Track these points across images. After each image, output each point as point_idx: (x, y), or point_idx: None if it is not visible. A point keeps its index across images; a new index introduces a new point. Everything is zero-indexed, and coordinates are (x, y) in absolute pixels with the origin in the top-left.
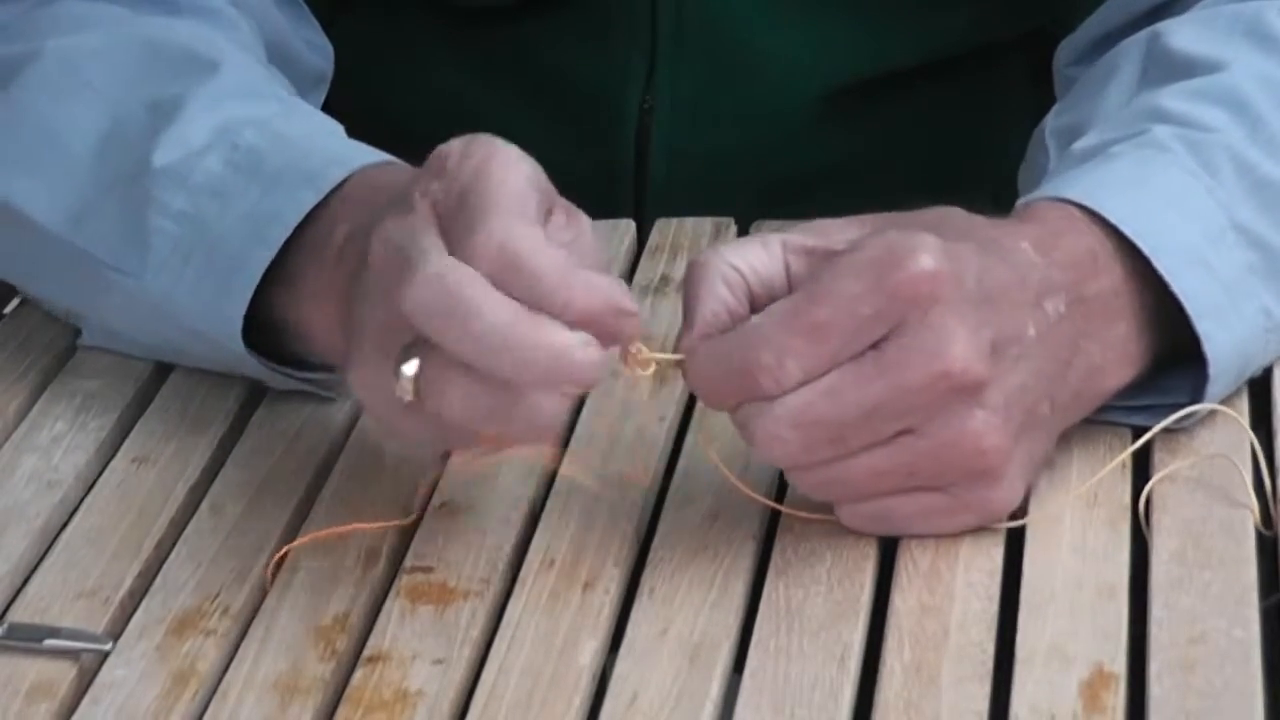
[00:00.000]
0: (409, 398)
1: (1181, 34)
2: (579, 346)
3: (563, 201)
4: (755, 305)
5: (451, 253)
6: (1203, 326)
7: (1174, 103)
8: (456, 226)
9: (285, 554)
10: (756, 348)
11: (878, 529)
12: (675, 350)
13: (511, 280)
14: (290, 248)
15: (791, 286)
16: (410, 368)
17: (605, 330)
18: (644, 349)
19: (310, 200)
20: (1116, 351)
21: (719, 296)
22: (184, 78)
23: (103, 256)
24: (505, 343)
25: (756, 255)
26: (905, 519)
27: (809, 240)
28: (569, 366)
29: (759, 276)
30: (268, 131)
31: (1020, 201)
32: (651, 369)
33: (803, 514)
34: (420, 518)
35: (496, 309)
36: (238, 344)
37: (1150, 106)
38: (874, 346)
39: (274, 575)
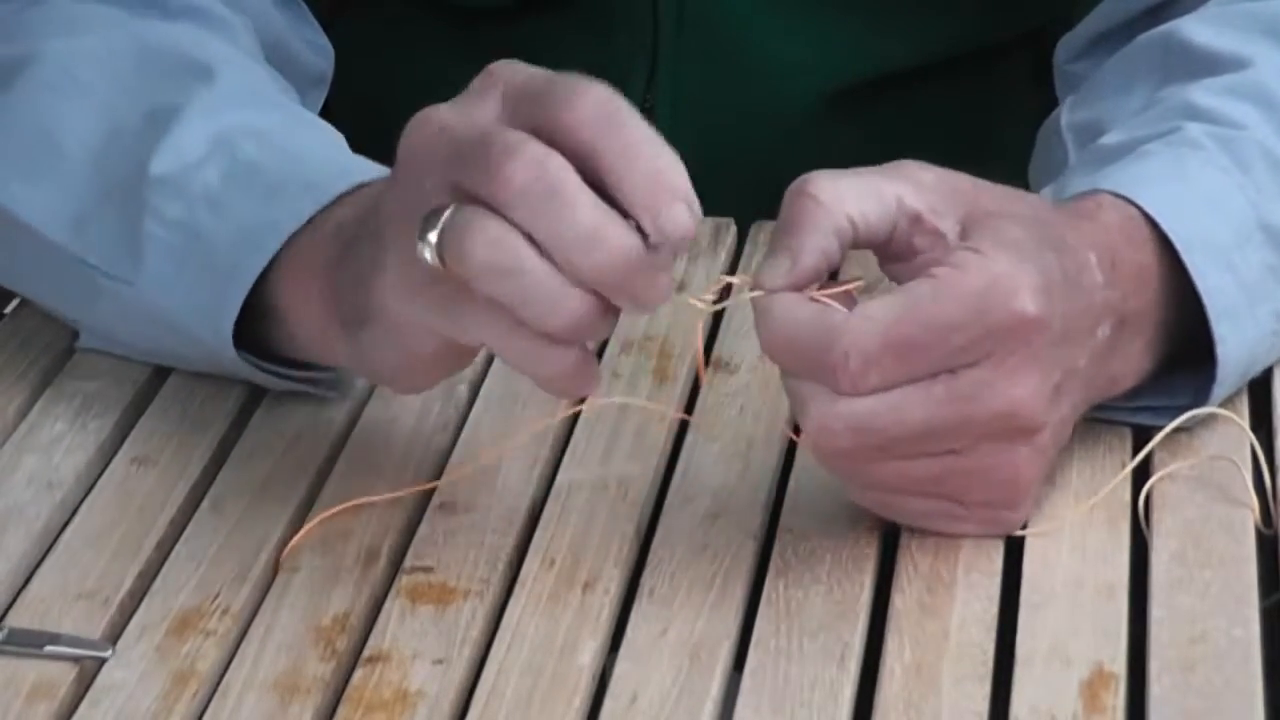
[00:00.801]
0: (431, 261)
1: (1201, 31)
2: (656, 269)
3: None
4: (852, 247)
5: (541, 128)
6: (1219, 329)
7: (1204, 99)
8: (546, 103)
9: (293, 545)
10: (845, 350)
11: (882, 514)
12: (754, 279)
13: (610, 135)
14: (284, 259)
15: (889, 243)
16: (433, 236)
17: (672, 218)
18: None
19: (309, 210)
20: (1132, 365)
21: (826, 251)
22: (182, 85)
23: (96, 263)
24: (593, 240)
25: (873, 208)
26: (913, 515)
27: (921, 208)
28: (641, 278)
29: (869, 228)
30: (268, 145)
31: (1060, 197)
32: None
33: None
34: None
35: (590, 207)
36: (228, 349)
37: (1180, 103)
38: (949, 369)
39: (285, 557)
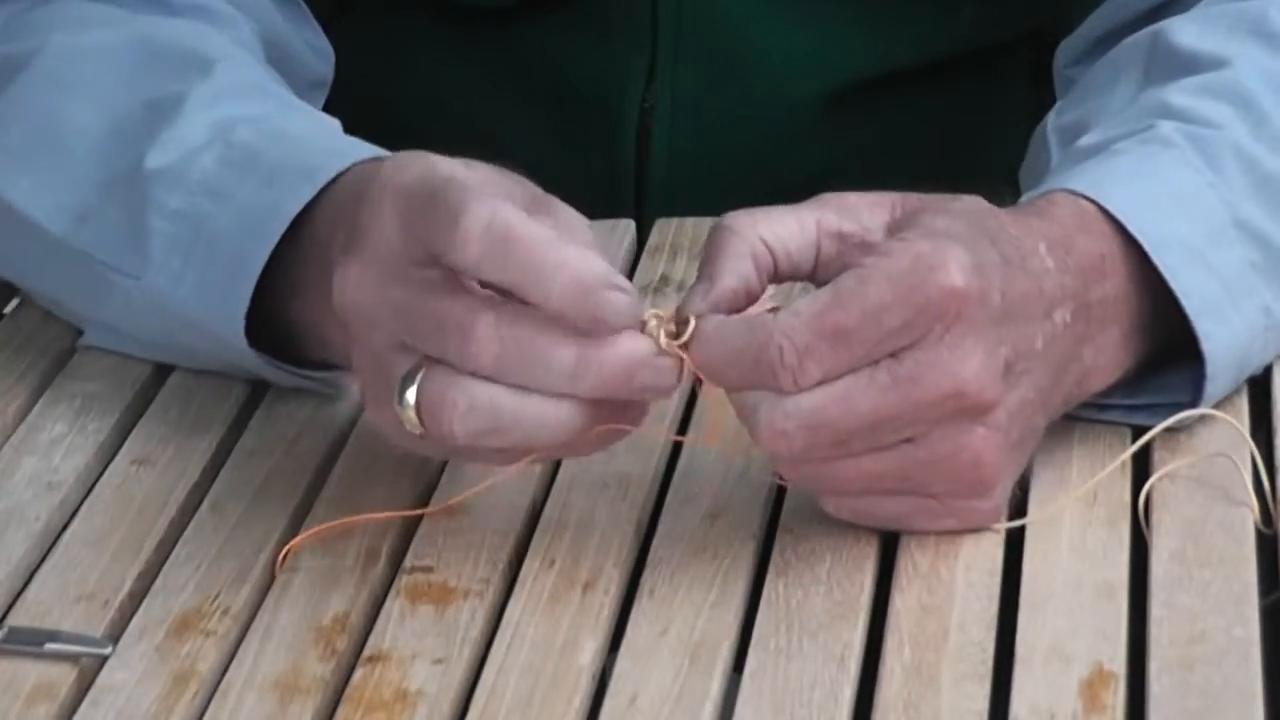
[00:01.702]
0: (417, 431)
1: (1185, 31)
2: (650, 357)
3: (538, 193)
4: (778, 278)
5: (439, 253)
6: (1201, 325)
7: (1179, 98)
8: (435, 220)
9: (289, 549)
10: (779, 344)
11: (860, 521)
12: (679, 311)
13: (504, 256)
14: (290, 249)
15: (818, 269)
16: (411, 395)
17: (600, 304)
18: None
19: (308, 193)
20: (1106, 356)
21: (741, 273)
22: (183, 77)
23: (102, 258)
24: (576, 376)
25: (790, 232)
26: (889, 517)
27: (844, 224)
28: (641, 375)
29: (789, 254)
30: (264, 128)
31: (1032, 194)
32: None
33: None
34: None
35: (562, 347)
36: (240, 341)
37: (1155, 102)
38: (891, 354)
39: (283, 562)
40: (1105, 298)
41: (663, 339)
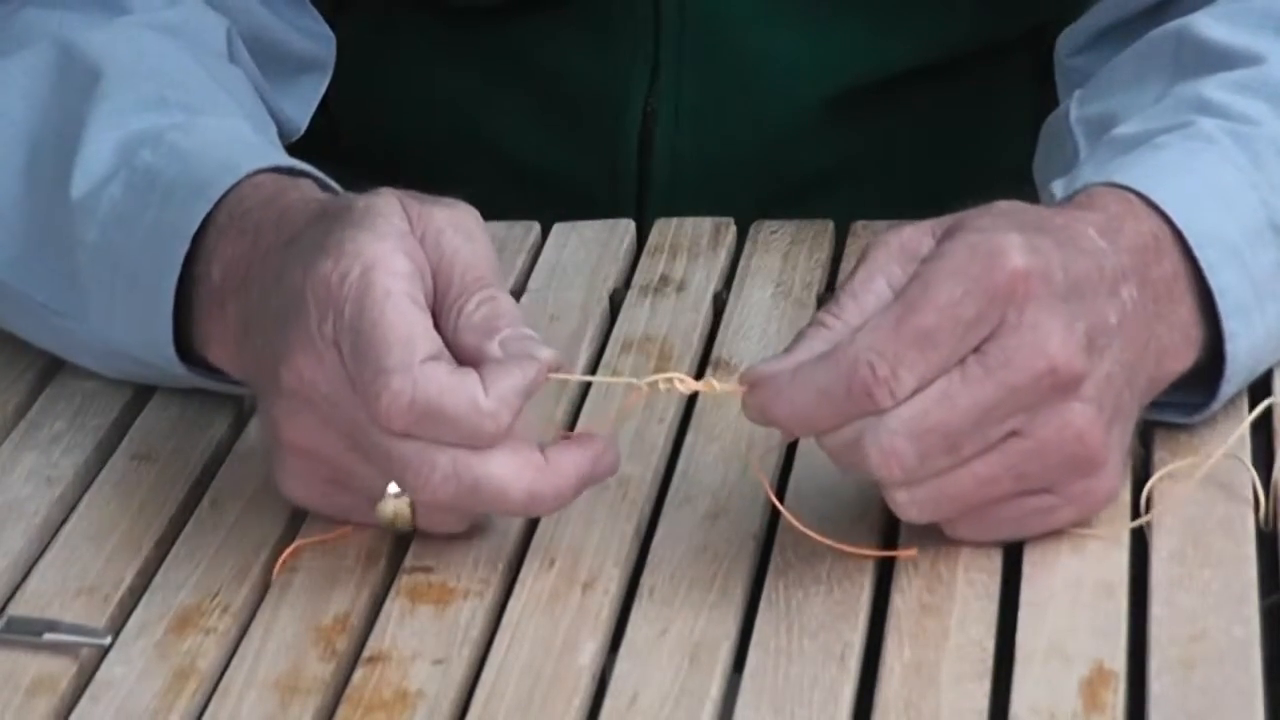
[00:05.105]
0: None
1: (1214, 26)
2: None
3: (420, 214)
4: None
5: (367, 408)
6: (1230, 325)
7: (1217, 94)
8: (361, 380)
9: (293, 552)
10: (869, 361)
11: (984, 538)
12: (742, 378)
13: (434, 429)
14: (182, 278)
15: None
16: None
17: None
18: (686, 379)
19: (203, 209)
20: (1181, 334)
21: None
22: (83, 95)
23: (45, 301)
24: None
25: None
26: (1016, 523)
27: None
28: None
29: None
30: (162, 146)
31: (1073, 187)
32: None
33: (800, 525)
34: None
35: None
36: (178, 366)
37: (1192, 97)
38: (974, 350)
39: (282, 567)
40: (1165, 276)
41: (723, 384)
